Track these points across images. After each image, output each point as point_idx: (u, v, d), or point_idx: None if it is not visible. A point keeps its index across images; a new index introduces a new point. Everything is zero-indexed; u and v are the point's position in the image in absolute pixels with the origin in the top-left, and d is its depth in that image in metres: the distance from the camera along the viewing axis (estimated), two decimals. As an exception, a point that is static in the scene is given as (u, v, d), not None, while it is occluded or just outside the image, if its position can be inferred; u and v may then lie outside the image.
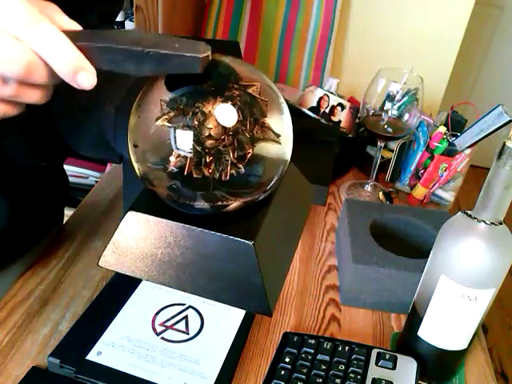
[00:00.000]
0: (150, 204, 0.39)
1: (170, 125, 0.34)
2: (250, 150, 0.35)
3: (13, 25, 0.29)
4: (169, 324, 0.56)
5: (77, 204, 0.80)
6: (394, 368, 0.53)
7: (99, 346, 0.52)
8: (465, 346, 0.54)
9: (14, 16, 0.29)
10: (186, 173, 0.34)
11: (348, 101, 1.05)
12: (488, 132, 0.81)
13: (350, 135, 1.01)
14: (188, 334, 0.55)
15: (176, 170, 0.35)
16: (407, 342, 0.57)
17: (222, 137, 0.34)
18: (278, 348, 0.55)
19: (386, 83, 0.81)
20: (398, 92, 0.81)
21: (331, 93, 1.06)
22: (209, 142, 0.34)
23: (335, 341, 0.56)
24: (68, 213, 0.77)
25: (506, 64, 2.48)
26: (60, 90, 0.35)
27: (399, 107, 0.81)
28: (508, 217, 0.49)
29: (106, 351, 0.52)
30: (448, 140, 0.86)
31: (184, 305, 0.59)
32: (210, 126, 0.34)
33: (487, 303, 0.50)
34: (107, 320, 0.56)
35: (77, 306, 0.60)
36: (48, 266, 0.66)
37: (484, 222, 0.46)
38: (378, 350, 0.55)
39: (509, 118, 0.78)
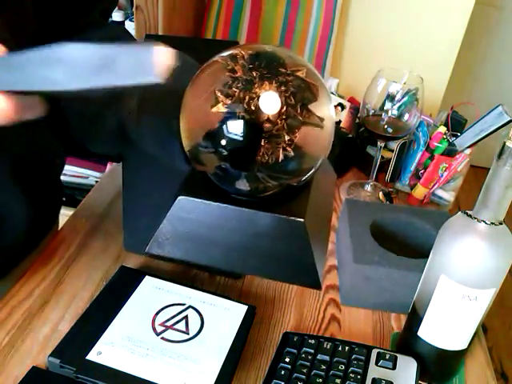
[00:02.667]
0: (198, 188, 0.40)
1: (225, 111, 0.35)
2: (298, 134, 0.36)
3: None
4: (169, 324, 0.56)
5: (77, 204, 0.80)
6: (394, 368, 0.53)
7: (99, 345, 0.52)
8: (465, 346, 0.54)
9: None
10: (239, 156, 0.36)
11: (348, 101, 1.05)
12: (488, 132, 0.81)
13: (350, 135, 1.01)
14: (188, 333, 0.55)
15: (228, 153, 0.36)
16: (407, 342, 0.57)
17: (276, 121, 0.35)
18: (277, 348, 0.55)
19: (386, 83, 0.81)
20: (398, 92, 0.81)
21: (331, 93, 1.05)
22: (265, 126, 0.35)
23: (335, 341, 0.56)
24: (68, 213, 0.77)
25: (507, 64, 2.48)
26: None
27: (399, 107, 0.81)
28: (508, 217, 0.49)
29: (106, 351, 0.52)
30: (448, 140, 0.86)
31: (184, 305, 0.59)
32: (270, 119, 0.35)
33: (487, 303, 0.50)
34: (107, 320, 0.56)
35: (77, 306, 0.60)
36: (48, 266, 0.66)
37: (484, 221, 0.46)
38: (378, 350, 0.55)
39: (509, 118, 0.78)
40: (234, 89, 0.35)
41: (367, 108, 0.83)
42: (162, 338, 0.54)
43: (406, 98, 0.81)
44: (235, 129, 0.35)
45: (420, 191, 0.88)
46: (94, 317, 0.56)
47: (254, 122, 0.35)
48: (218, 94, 0.35)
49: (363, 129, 0.90)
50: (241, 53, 0.37)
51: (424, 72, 0.83)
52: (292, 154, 0.36)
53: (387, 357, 0.54)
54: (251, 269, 0.43)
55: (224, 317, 0.58)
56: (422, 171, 0.88)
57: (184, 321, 0.57)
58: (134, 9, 1.12)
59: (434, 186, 0.87)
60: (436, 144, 0.85)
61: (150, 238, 0.41)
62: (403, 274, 0.62)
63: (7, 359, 0.53)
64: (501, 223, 0.47)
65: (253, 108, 0.35)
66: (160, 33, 1.17)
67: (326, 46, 1.27)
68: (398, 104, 0.81)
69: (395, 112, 0.82)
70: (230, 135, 0.35)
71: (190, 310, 0.58)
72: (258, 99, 0.35)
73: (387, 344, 0.61)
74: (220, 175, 0.38)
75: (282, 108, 0.35)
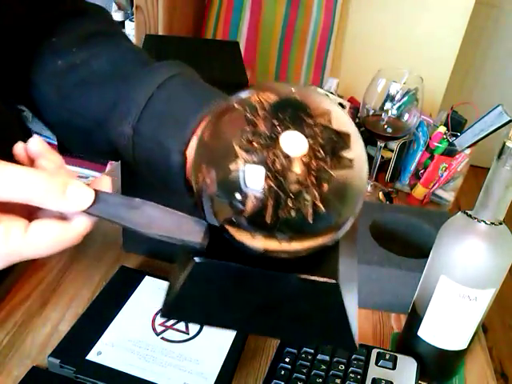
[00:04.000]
0: (215, 247, 0.36)
1: (246, 169, 0.31)
2: (329, 187, 0.32)
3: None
4: (169, 324, 0.56)
5: (77, 204, 0.80)
6: (393, 368, 0.53)
7: (99, 345, 0.52)
8: (465, 346, 0.54)
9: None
10: (267, 218, 0.31)
11: (348, 101, 1.05)
12: (488, 132, 0.81)
13: (350, 135, 1.01)
14: (188, 333, 0.55)
15: (251, 212, 0.32)
16: (407, 342, 0.57)
17: (306, 178, 0.31)
18: (277, 348, 0.55)
19: (385, 83, 0.81)
20: (397, 92, 0.81)
21: (331, 93, 1.05)
22: (293, 187, 0.31)
23: (335, 341, 0.55)
24: (68, 213, 0.77)
25: (506, 64, 2.48)
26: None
27: (399, 107, 0.81)
28: (508, 217, 0.49)
29: (106, 351, 0.52)
30: (448, 140, 0.86)
31: (184, 305, 0.59)
32: (295, 170, 0.31)
33: (487, 303, 0.50)
34: (107, 320, 0.56)
35: (77, 306, 0.60)
36: (48, 266, 0.66)
37: (484, 221, 0.46)
38: (378, 350, 0.55)
39: (509, 118, 0.78)
40: (255, 144, 0.31)
41: (367, 108, 0.83)
42: (162, 338, 0.54)
43: (405, 98, 0.81)
44: (257, 186, 0.31)
45: (420, 191, 0.88)
46: (93, 317, 0.56)
47: (280, 182, 0.31)
48: (238, 150, 0.32)
49: (363, 129, 0.90)
50: (261, 100, 0.33)
51: (424, 72, 0.83)
52: (323, 209, 0.32)
53: (387, 357, 0.54)
54: (276, 332, 0.39)
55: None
56: (421, 171, 0.88)
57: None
58: (134, 9, 1.12)
59: (433, 186, 0.87)
60: (436, 144, 0.85)
61: (164, 301, 0.38)
62: (403, 273, 0.62)
63: (7, 359, 0.53)
64: (501, 223, 0.47)
65: (278, 166, 0.31)
66: (160, 33, 1.18)
67: (326, 46, 1.27)
68: (398, 104, 0.81)
69: (395, 112, 0.82)
70: (252, 192, 0.31)
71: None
72: (283, 157, 0.31)
73: (387, 344, 0.61)
74: (235, 232, 0.34)
75: (310, 162, 0.31)
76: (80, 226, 0.35)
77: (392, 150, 0.92)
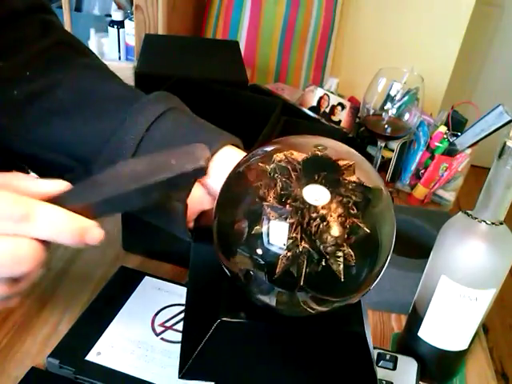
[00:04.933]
0: (239, 305, 0.35)
1: (277, 229, 0.30)
2: (360, 242, 0.31)
3: (6, 222, 0.28)
4: (168, 324, 0.56)
5: (76, 204, 0.80)
6: (394, 368, 0.53)
7: (99, 346, 0.52)
8: (465, 347, 0.53)
9: (3, 214, 0.28)
10: (301, 281, 0.30)
11: (348, 100, 1.05)
12: (489, 132, 0.81)
13: (351, 135, 1.01)
14: (188, 334, 0.55)
15: (279, 273, 0.31)
16: (408, 342, 0.57)
17: (341, 235, 0.30)
18: (277, 348, 0.55)
19: (386, 83, 0.81)
20: (398, 92, 0.81)
21: (331, 92, 1.05)
22: (330, 249, 0.30)
23: (335, 341, 0.55)
24: (68, 213, 0.77)
25: (507, 63, 2.48)
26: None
27: (399, 107, 0.81)
28: (508, 217, 0.49)
29: (106, 351, 0.52)
30: (448, 140, 0.85)
31: (184, 305, 0.59)
32: (333, 233, 0.30)
33: (488, 303, 0.50)
34: (107, 320, 0.55)
35: (76, 307, 0.60)
36: (48, 266, 0.65)
37: (484, 221, 0.46)
38: (379, 351, 0.55)
39: (509, 118, 0.78)
40: (288, 206, 0.30)
41: (367, 107, 0.83)
42: (162, 339, 0.54)
43: (406, 98, 0.81)
44: (288, 246, 0.30)
45: (420, 191, 0.88)
46: (93, 317, 0.56)
47: (312, 242, 0.30)
48: (269, 212, 0.31)
49: (363, 128, 0.90)
50: (289, 161, 0.32)
51: (424, 71, 0.83)
52: (353, 263, 0.31)
53: (388, 357, 0.54)
54: None
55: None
56: (422, 171, 0.88)
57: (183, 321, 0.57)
58: (133, 8, 1.12)
59: (434, 185, 0.87)
60: (436, 144, 0.85)
61: (184, 361, 0.36)
62: (403, 274, 0.61)
63: (6, 360, 0.53)
64: (501, 223, 0.47)
65: (313, 228, 0.30)
66: (160, 32, 1.17)
67: (326, 46, 1.27)
68: (399, 104, 0.81)
69: (395, 112, 0.81)
70: (277, 250, 0.30)
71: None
72: (320, 219, 0.30)
73: (388, 344, 0.61)
74: (255, 288, 0.33)
75: (345, 221, 0.31)
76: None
77: (392, 150, 0.92)
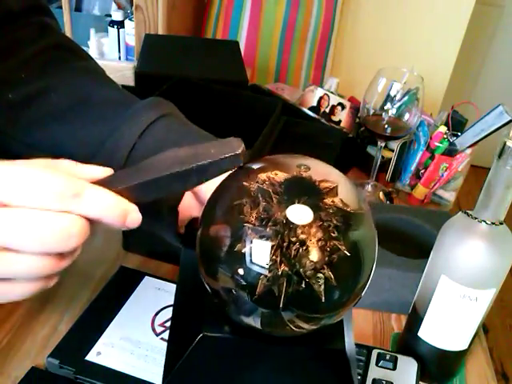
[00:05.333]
0: (221, 321, 0.36)
1: (258, 250, 0.31)
2: (340, 264, 0.31)
3: (58, 199, 0.29)
4: (168, 324, 0.56)
5: (76, 204, 0.80)
6: (394, 368, 0.53)
7: (99, 346, 0.52)
8: (465, 347, 0.53)
9: (56, 191, 0.29)
10: (281, 302, 0.31)
11: (348, 100, 1.05)
12: (488, 132, 0.81)
13: (351, 135, 1.01)
14: (188, 334, 0.55)
15: (259, 294, 0.31)
16: (407, 342, 0.57)
17: (321, 257, 0.31)
18: (277, 348, 0.55)
19: (386, 83, 0.81)
20: (398, 92, 0.81)
21: (331, 92, 1.05)
22: (309, 273, 0.31)
23: (335, 341, 0.55)
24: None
25: (507, 63, 2.48)
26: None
27: (399, 107, 0.81)
28: (508, 217, 0.49)
29: (106, 351, 0.52)
30: (448, 140, 0.85)
31: (184, 305, 0.59)
32: (312, 257, 0.30)
33: (488, 303, 0.50)
34: (107, 320, 0.55)
35: (76, 307, 0.60)
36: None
37: (484, 221, 0.46)
38: (379, 351, 0.55)
39: (509, 118, 0.78)
40: (268, 228, 0.31)
41: (367, 107, 0.83)
42: (162, 339, 0.54)
43: (406, 98, 0.81)
44: (269, 267, 0.31)
45: (420, 191, 0.88)
46: (93, 317, 0.56)
47: (292, 264, 0.31)
48: (250, 233, 0.31)
49: (363, 128, 0.90)
50: (272, 182, 0.32)
51: (424, 71, 0.83)
52: (335, 283, 0.31)
53: (387, 357, 0.54)
54: None
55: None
56: (422, 171, 0.88)
57: (184, 321, 0.57)
58: (133, 8, 1.12)
59: (434, 185, 0.87)
60: (436, 144, 0.85)
61: (167, 371, 0.37)
62: (403, 274, 0.61)
63: (6, 360, 0.53)
64: (501, 223, 0.47)
65: (293, 252, 0.30)
66: (160, 32, 1.17)
67: (327, 46, 1.27)
68: (399, 104, 0.81)
69: (395, 112, 0.81)
70: (258, 271, 0.31)
71: None
72: (300, 243, 0.31)
73: (387, 344, 0.61)
74: (237, 308, 0.33)
75: (325, 245, 0.31)
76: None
77: (392, 150, 0.92)
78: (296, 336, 0.34)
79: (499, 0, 2.31)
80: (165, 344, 0.54)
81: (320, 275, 0.31)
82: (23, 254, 0.28)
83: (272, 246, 0.30)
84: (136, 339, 0.54)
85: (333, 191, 0.33)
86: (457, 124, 0.89)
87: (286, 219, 0.31)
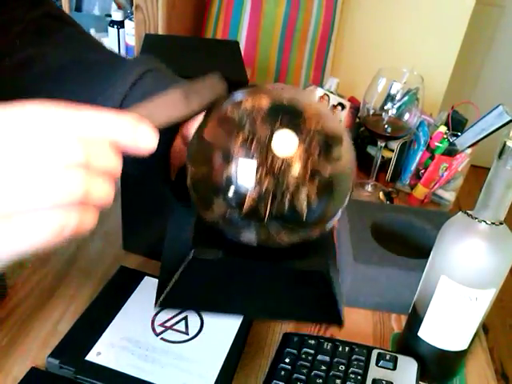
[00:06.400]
0: (211, 240, 0.39)
1: (243, 168, 0.34)
2: (321, 183, 0.35)
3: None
4: (168, 324, 0.56)
5: (76, 204, 0.80)
6: (394, 368, 0.53)
7: (99, 346, 0.52)
8: (465, 347, 0.53)
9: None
10: (265, 215, 0.34)
11: (348, 100, 1.05)
12: (489, 132, 0.81)
13: (350, 135, 1.01)
14: (188, 334, 0.55)
15: (248, 208, 0.34)
16: (408, 342, 0.57)
17: (300, 176, 0.34)
18: (278, 348, 0.55)
19: (386, 83, 0.81)
20: (398, 92, 0.81)
21: (331, 92, 1.05)
22: (291, 187, 0.33)
23: (335, 341, 0.55)
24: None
25: (507, 63, 2.48)
26: None
27: (399, 107, 0.81)
28: (509, 217, 0.49)
29: (106, 351, 0.52)
30: (448, 140, 0.85)
31: (184, 305, 0.59)
32: (293, 171, 0.33)
33: (488, 303, 0.50)
34: (107, 320, 0.55)
35: (76, 306, 0.60)
36: (47, 266, 0.65)
37: (485, 221, 0.46)
38: (379, 351, 0.55)
39: (509, 118, 0.78)
40: (253, 147, 0.34)
41: (367, 108, 0.83)
42: (162, 339, 0.54)
43: (406, 98, 0.81)
44: (254, 184, 0.34)
45: (420, 191, 0.88)
46: (93, 317, 0.56)
47: (275, 180, 0.33)
48: (236, 153, 0.34)
49: (363, 128, 0.90)
50: (256, 106, 0.35)
51: (425, 71, 0.83)
52: (316, 202, 0.34)
53: (387, 357, 0.54)
54: (271, 315, 0.43)
55: (224, 317, 0.58)
56: (422, 171, 0.88)
57: (183, 321, 0.57)
58: (133, 8, 1.12)
59: (434, 185, 0.87)
60: (436, 144, 0.85)
61: (160, 293, 0.40)
62: (403, 274, 0.61)
63: (6, 360, 0.53)
64: (501, 223, 0.47)
65: (276, 167, 0.33)
66: (160, 32, 1.17)
67: (326, 46, 1.27)
68: (399, 104, 0.81)
69: (395, 112, 0.81)
70: (246, 188, 0.34)
71: (190, 310, 0.58)
72: (279, 160, 0.33)
73: (387, 344, 0.61)
74: (230, 227, 0.36)
75: (307, 161, 0.34)
76: None
77: (392, 150, 0.92)
78: (284, 255, 0.38)
79: (499, 0, 2.31)
80: (165, 344, 0.54)
81: (302, 191, 0.34)
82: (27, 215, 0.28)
83: (257, 165, 0.33)
84: (136, 339, 0.54)
85: (315, 117, 0.35)
86: (457, 124, 0.89)
87: (271, 140, 0.33)
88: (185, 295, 0.40)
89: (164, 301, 0.39)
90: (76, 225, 0.29)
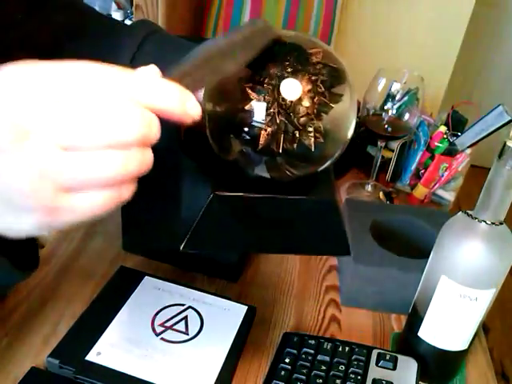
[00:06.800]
0: (228, 182, 0.41)
1: (256, 106, 0.36)
2: (327, 120, 0.38)
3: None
4: (168, 324, 0.56)
5: (76, 204, 0.80)
6: (394, 369, 0.53)
7: (99, 346, 0.52)
8: (465, 347, 0.53)
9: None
10: (280, 148, 0.37)
11: (348, 100, 1.05)
12: (489, 132, 0.80)
13: (351, 135, 1.00)
14: (188, 334, 0.55)
15: (263, 144, 0.37)
16: (408, 342, 0.57)
17: (312, 112, 0.37)
18: (278, 348, 0.55)
19: (386, 83, 0.81)
20: (398, 91, 0.81)
21: (331, 92, 1.05)
22: (302, 120, 0.37)
23: (335, 341, 0.55)
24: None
25: (507, 63, 2.48)
26: None
27: (399, 107, 0.81)
28: (509, 217, 0.49)
29: (106, 351, 0.52)
30: (449, 140, 0.85)
31: (184, 305, 0.59)
32: (304, 104, 0.37)
33: (488, 303, 0.50)
34: (107, 320, 0.55)
35: (76, 306, 0.60)
36: (47, 266, 0.65)
37: (485, 222, 0.46)
38: (379, 351, 0.55)
39: (509, 118, 0.78)
40: (265, 85, 0.36)
41: (367, 108, 0.83)
42: (162, 339, 0.54)
43: (406, 98, 0.81)
44: (266, 120, 0.37)
45: (420, 191, 0.88)
46: (93, 317, 0.56)
47: (289, 118, 0.37)
48: (247, 89, 0.36)
49: (363, 128, 0.90)
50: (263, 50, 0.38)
51: (424, 71, 0.83)
52: (322, 140, 0.38)
53: (387, 357, 0.54)
54: (286, 249, 0.47)
55: (224, 317, 0.58)
56: (422, 171, 0.88)
57: (184, 321, 0.57)
58: (133, 8, 1.12)
59: (434, 185, 0.87)
60: (436, 144, 0.85)
61: (184, 235, 0.42)
62: (403, 274, 0.61)
63: (6, 360, 0.53)
64: (501, 223, 0.46)
65: (288, 102, 0.36)
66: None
67: (327, 46, 1.27)
68: (399, 104, 0.81)
69: (395, 112, 0.81)
70: (260, 125, 0.37)
71: (190, 310, 0.58)
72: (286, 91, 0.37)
73: (387, 344, 0.61)
74: (245, 161, 0.39)
75: (314, 97, 0.37)
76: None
77: (392, 150, 0.92)
78: (295, 188, 0.41)
79: (499, 0, 2.30)
80: (165, 344, 0.54)
81: (310, 128, 0.37)
82: (90, 152, 0.26)
83: (269, 101, 0.36)
84: (136, 339, 0.54)
85: (319, 55, 0.38)
86: (457, 124, 0.89)
87: (281, 79, 0.36)
88: (207, 236, 0.42)
89: (189, 242, 0.41)
90: (137, 165, 0.28)
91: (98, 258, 0.68)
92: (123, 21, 1.38)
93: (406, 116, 0.82)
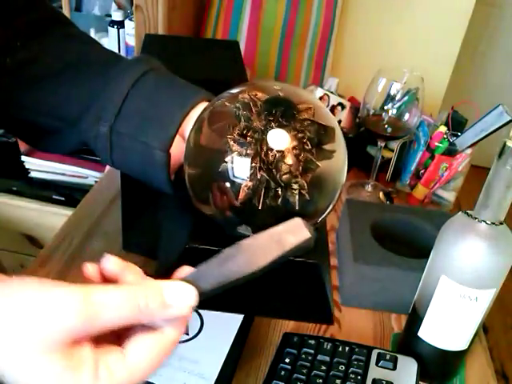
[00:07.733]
0: (206, 234, 0.39)
1: (238, 161, 0.34)
2: (313, 177, 0.36)
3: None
4: (168, 324, 0.56)
5: (76, 204, 0.80)
6: (394, 368, 0.53)
7: (98, 346, 0.52)
8: (465, 347, 0.53)
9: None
10: (260, 203, 0.35)
11: (348, 100, 1.05)
12: (488, 132, 0.80)
13: (350, 135, 1.01)
14: (187, 334, 0.55)
15: (243, 198, 0.35)
16: (408, 342, 0.57)
17: (296, 169, 0.35)
18: (278, 348, 0.55)
19: (386, 83, 0.81)
20: (398, 92, 0.81)
21: (331, 92, 1.05)
22: (285, 177, 0.35)
23: (335, 341, 0.55)
24: (67, 213, 0.77)
25: (507, 63, 2.48)
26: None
27: (399, 107, 0.81)
28: (509, 217, 0.49)
29: (106, 352, 0.52)
30: (448, 140, 0.85)
31: (184, 305, 0.58)
32: (287, 161, 0.34)
33: (488, 303, 0.50)
34: (107, 320, 0.55)
35: (76, 307, 0.60)
36: (47, 266, 0.65)
37: (485, 221, 0.46)
38: (379, 351, 0.55)
39: (509, 118, 0.78)
40: (248, 138, 0.35)
41: (367, 108, 0.83)
42: (162, 339, 0.54)
43: (406, 98, 0.81)
44: (249, 176, 0.35)
45: (420, 191, 0.88)
46: (93, 317, 0.56)
47: (271, 174, 0.35)
48: (232, 144, 0.35)
49: (363, 129, 0.90)
50: (252, 99, 0.36)
51: (424, 71, 0.83)
52: (308, 197, 0.35)
53: (387, 357, 0.54)
54: (266, 312, 0.45)
55: (224, 317, 0.58)
56: (422, 171, 0.88)
57: (184, 321, 0.57)
58: (133, 8, 1.12)
59: (434, 185, 0.87)
60: (436, 144, 0.85)
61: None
62: (403, 274, 0.61)
63: (6, 360, 0.53)
64: (501, 223, 0.47)
65: (270, 158, 0.34)
66: (160, 32, 1.17)
67: (326, 46, 1.27)
68: (399, 104, 0.81)
69: (395, 112, 0.81)
70: (243, 183, 0.35)
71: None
72: (274, 154, 0.35)
73: (387, 344, 0.61)
74: (227, 221, 0.37)
75: (299, 154, 0.35)
76: (172, 332, 0.34)
77: (392, 150, 0.92)
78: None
79: (499, 0, 2.31)
80: (165, 344, 0.54)
81: (295, 185, 0.35)
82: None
83: (252, 155, 0.35)
84: (136, 339, 0.54)
85: (309, 111, 0.37)
86: (457, 124, 0.89)
87: (265, 133, 0.35)
88: None
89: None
90: None
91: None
92: (123, 21, 1.39)
93: (406, 116, 0.82)
